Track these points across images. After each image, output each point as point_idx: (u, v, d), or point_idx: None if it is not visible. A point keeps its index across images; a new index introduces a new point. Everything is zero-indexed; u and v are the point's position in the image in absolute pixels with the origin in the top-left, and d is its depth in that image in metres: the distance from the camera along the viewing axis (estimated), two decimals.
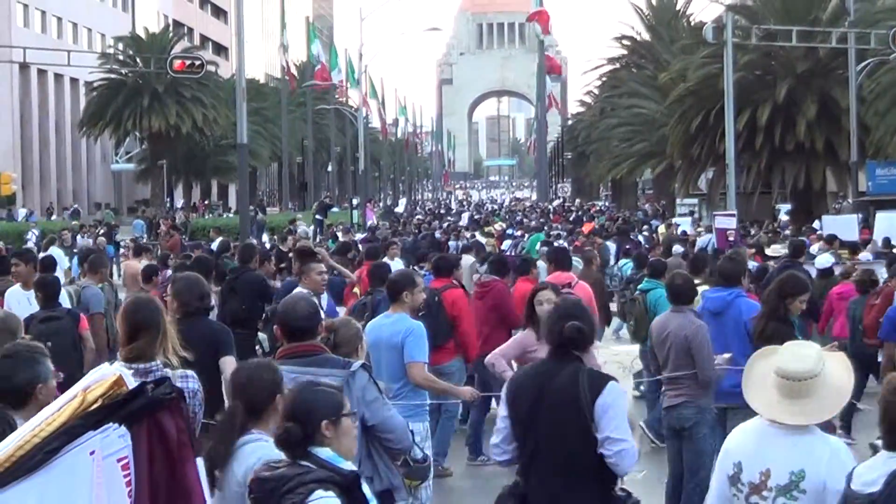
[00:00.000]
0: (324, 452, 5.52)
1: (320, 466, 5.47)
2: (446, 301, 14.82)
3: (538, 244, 31.04)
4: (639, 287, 16.96)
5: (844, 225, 35.37)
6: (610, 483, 7.33)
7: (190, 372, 7.88)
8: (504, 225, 52.77)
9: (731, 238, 31.82)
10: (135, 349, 7.62)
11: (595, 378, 7.35)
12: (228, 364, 9.33)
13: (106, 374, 4.74)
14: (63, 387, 5.67)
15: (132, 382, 4.80)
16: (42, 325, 12.80)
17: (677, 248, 25.35)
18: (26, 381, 6.22)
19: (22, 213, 69.99)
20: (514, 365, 11.47)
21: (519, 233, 43.71)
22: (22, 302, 14.93)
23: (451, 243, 35.70)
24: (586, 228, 48.67)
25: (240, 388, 6.41)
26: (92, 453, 4.52)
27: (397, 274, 11.80)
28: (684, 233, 41.69)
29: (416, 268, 19.79)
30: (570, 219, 62.71)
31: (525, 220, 61.05)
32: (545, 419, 7.29)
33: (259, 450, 6.17)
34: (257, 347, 14.02)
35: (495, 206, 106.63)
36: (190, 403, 7.14)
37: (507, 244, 37.27)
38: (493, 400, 14.00)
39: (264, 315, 14.33)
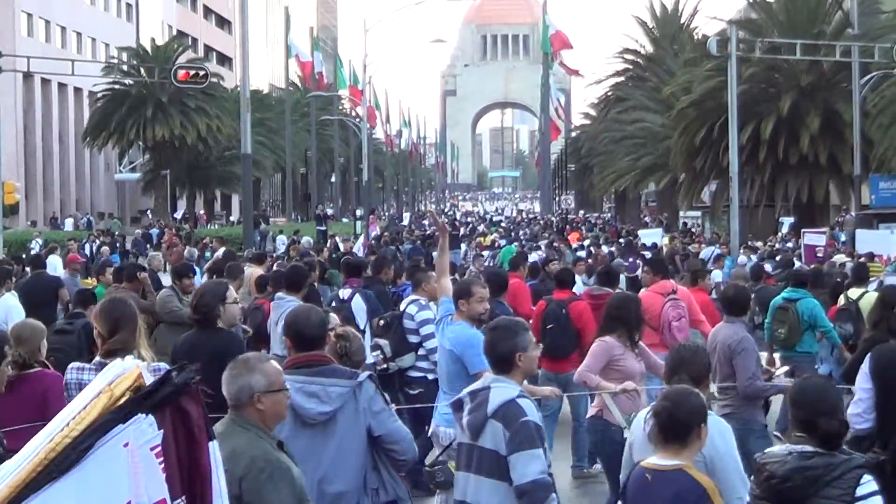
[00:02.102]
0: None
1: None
2: (573, 312, 15.15)
3: (510, 257, 31.63)
4: (784, 296, 17.06)
5: (880, 240, 35.42)
6: None
7: (163, 365, 8.02)
8: (497, 236, 53.29)
9: (819, 255, 32.27)
10: (117, 342, 8.07)
11: None
12: None
13: (128, 368, 4.80)
14: None
15: (149, 375, 4.87)
16: (55, 337, 12.84)
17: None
18: None
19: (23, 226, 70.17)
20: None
21: (503, 243, 44.43)
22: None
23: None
24: (572, 238, 49.38)
25: None
26: (126, 444, 4.56)
27: (460, 283, 11.60)
28: (654, 244, 42.26)
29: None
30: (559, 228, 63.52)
31: (522, 232, 61.55)
32: None
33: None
34: (378, 353, 14.05)
35: (502, 218, 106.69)
36: None
37: (485, 254, 37.53)
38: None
39: (383, 322, 14.34)
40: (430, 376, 13.52)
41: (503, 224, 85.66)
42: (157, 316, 14.71)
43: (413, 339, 13.89)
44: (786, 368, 11.77)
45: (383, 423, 7.54)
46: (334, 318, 10.16)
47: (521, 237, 58.08)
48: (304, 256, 26.23)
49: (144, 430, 4.62)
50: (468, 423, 7.39)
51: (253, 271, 18.81)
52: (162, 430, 4.70)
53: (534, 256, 33.90)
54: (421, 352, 13.81)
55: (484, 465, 7.32)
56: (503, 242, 46.68)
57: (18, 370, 8.48)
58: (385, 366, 14.04)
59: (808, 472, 6.28)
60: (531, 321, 15.87)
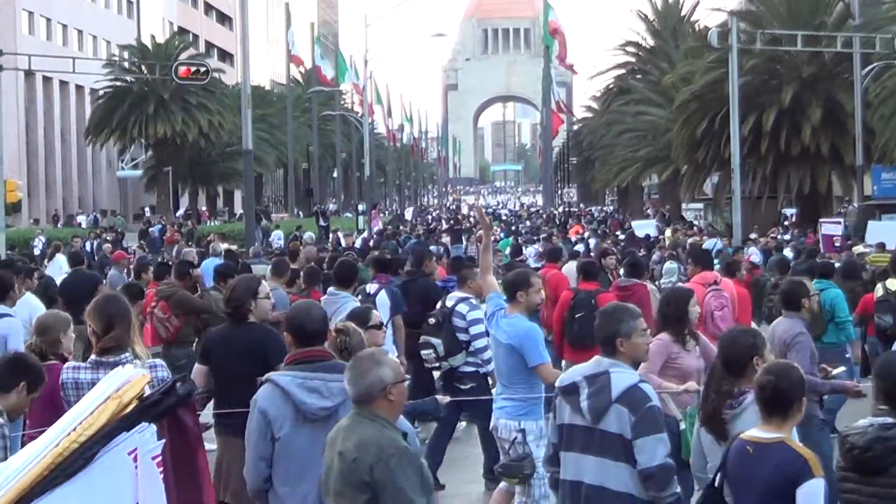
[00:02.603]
0: None
1: None
2: (600, 303, 15.12)
3: (506, 250, 31.95)
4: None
5: (889, 231, 35.40)
6: None
7: (159, 361, 8.52)
8: (498, 230, 53.48)
9: (837, 244, 32.40)
10: (111, 339, 8.14)
11: None
12: None
13: (134, 376, 4.82)
14: None
15: (144, 372, 4.94)
16: None
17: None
18: None
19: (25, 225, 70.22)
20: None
21: (502, 236, 44.71)
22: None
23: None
24: (573, 231, 49.70)
25: None
26: (131, 453, 4.58)
27: (514, 274, 11.55)
28: (648, 236, 42.39)
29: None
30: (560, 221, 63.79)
31: (522, 225, 61.82)
32: None
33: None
34: (430, 351, 14.21)
35: (504, 212, 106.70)
36: None
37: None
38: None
39: (433, 320, 14.43)
40: (481, 370, 13.82)
41: (504, 217, 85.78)
42: (212, 315, 14.99)
43: (462, 336, 13.99)
44: (842, 369, 11.78)
45: None
46: (376, 314, 10.37)
47: (522, 231, 58.19)
48: (342, 251, 26.69)
49: (147, 439, 4.66)
50: (589, 406, 7.55)
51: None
52: (162, 441, 4.73)
53: (530, 250, 34.29)
54: (470, 349, 13.92)
55: (608, 448, 7.52)
56: (502, 235, 46.96)
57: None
58: (437, 364, 14.28)
59: (889, 443, 6.67)
60: (555, 311, 16.36)
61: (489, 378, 13.46)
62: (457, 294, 14.50)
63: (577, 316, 15.60)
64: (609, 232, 49.42)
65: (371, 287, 15.84)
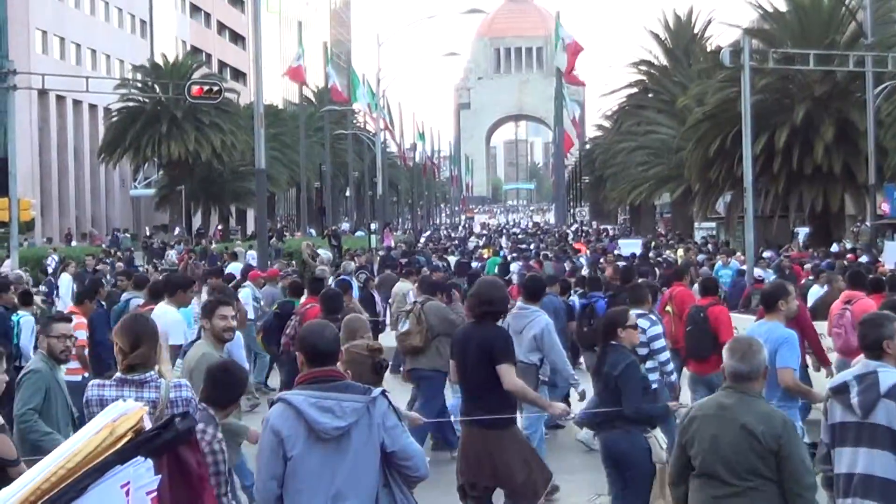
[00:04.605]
0: None
1: None
2: (711, 316, 16.23)
3: (495, 268, 32.50)
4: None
5: None
6: None
7: (184, 381, 8.64)
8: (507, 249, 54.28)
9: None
10: (138, 356, 8.25)
11: None
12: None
13: (130, 409, 4.76)
14: None
15: (148, 422, 4.85)
16: None
17: (705, 270, 26.15)
18: None
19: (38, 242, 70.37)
20: None
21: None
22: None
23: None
24: (579, 248, 50.18)
25: None
26: (123, 486, 4.53)
27: (772, 285, 12.88)
28: (633, 255, 42.99)
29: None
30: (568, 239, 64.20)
31: (533, 244, 62.06)
32: None
33: None
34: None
35: (517, 231, 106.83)
36: (189, 410, 7.88)
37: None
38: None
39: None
40: (654, 385, 14.35)
41: (519, 235, 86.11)
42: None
43: (641, 351, 14.22)
44: None
45: (397, 438, 7.54)
46: (633, 315, 11.83)
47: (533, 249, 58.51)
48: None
49: (142, 474, 4.59)
50: (860, 402, 8.24)
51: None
52: (159, 476, 4.69)
53: (514, 266, 35.27)
54: (650, 364, 14.29)
55: (876, 439, 8.22)
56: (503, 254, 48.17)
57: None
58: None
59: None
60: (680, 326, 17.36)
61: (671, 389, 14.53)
62: (636, 310, 14.58)
63: (687, 329, 16.49)
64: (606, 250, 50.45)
65: None
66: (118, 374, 8.34)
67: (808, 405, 15.08)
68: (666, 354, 14.59)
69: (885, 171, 48.12)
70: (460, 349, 11.72)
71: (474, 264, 39.14)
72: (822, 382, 12.58)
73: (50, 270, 41.73)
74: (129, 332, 8.38)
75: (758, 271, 30.93)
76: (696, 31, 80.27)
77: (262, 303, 23.29)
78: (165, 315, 14.72)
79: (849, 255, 34.92)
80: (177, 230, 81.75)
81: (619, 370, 11.19)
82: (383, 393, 7.64)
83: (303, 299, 19.88)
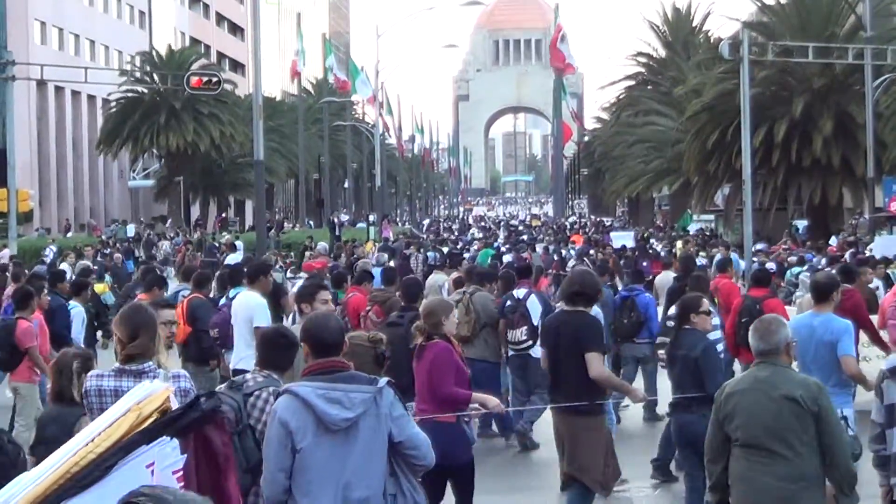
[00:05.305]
0: None
1: None
2: (767, 309, 16.16)
3: (488, 259, 32.65)
4: None
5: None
6: None
7: (182, 372, 8.67)
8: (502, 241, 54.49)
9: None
10: (136, 346, 8.26)
11: None
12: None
13: (156, 389, 4.80)
14: None
15: (176, 401, 4.89)
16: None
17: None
18: None
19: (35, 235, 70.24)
20: None
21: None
22: None
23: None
24: (575, 240, 50.47)
25: None
26: (149, 466, 4.57)
27: (826, 276, 13.42)
28: (624, 247, 43.22)
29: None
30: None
31: (528, 236, 62.38)
32: None
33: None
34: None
35: (516, 223, 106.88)
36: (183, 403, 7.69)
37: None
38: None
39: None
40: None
41: (519, 227, 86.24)
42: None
43: None
44: None
45: (403, 428, 7.59)
46: (705, 301, 12.91)
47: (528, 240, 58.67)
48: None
49: (168, 454, 4.62)
50: None
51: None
52: (185, 455, 4.73)
53: (507, 258, 35.51)
54: None
55: None
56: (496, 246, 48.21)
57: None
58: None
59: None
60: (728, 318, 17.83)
61: None
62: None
63: (742, 321, 16.53)
64: (601, 241, 50.95)
65: (519, 292, 17.63)
66: (117, 365, 8.37)
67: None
68: (722, 344, 15.28)
69: (883, 164, 48.16)
70: (552, 336, 11.98)
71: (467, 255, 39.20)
72: (868, 371, 12.76)
73: (48, 261, 41.72)
74: (128, 322, 8.39)
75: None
76: (695, 23, 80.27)
77: None
78: (251, 300, 15.00)
79: (850, 250, 34.96)
80: (168, 223, 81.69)
81: (699, 351, 11.77)
82: (389, 383, 7.68)
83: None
